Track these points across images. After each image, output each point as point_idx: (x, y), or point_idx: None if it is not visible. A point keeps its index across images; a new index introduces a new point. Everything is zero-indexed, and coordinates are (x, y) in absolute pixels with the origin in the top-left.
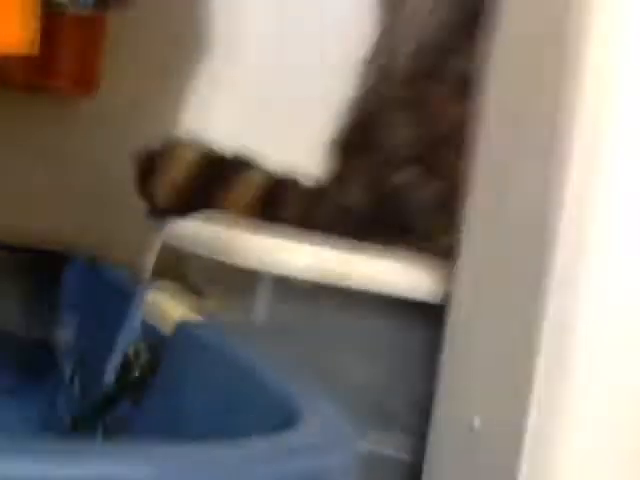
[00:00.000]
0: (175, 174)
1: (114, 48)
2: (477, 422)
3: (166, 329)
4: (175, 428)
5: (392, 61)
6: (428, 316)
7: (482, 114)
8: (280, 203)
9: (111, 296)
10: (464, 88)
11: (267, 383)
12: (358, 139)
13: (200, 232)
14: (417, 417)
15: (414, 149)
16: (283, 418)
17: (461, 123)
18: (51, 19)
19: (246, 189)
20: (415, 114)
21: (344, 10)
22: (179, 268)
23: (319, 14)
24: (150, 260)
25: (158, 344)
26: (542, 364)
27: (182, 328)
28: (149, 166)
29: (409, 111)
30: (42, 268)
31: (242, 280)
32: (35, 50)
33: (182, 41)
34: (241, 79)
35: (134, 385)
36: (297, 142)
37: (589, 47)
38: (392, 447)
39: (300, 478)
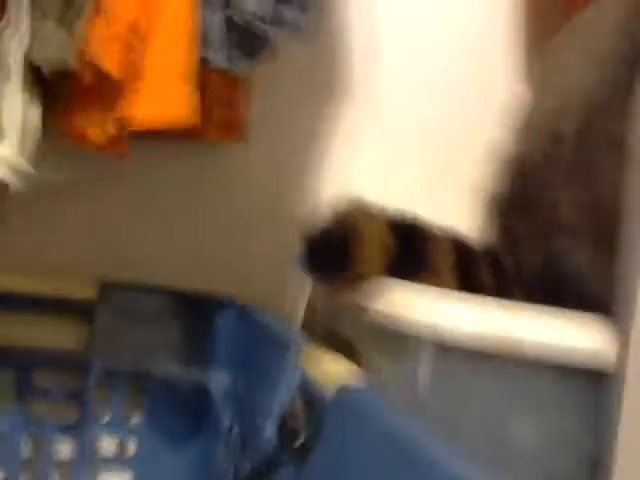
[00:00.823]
0: (374, 246)
1: (262, 98)
2: None
3: (326, 390)
4: None
5: (554, 122)
6: (592, 380)
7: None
8: (473, 270)
9: (267, 343)
10: (620, 159)
11: (433, 460)
12: (522, 198)
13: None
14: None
15: (577, 214)
16: None
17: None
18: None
19: (441, 259)
20: (579, 180)
21: (494, 58)
22: (332, 323)
23: (462, 63)
24: (300, 312)
25: (319, 406)
26: None
27: (345, 392)
28: (333, 237)
29: (572, 176)
30: (195, 312)
31: (404, 343)
32: (197, 119)
33: (326, 92)
34: (385, 131)
35: (296, 448)
36: (444, 196)
37: None
38: None
39: None
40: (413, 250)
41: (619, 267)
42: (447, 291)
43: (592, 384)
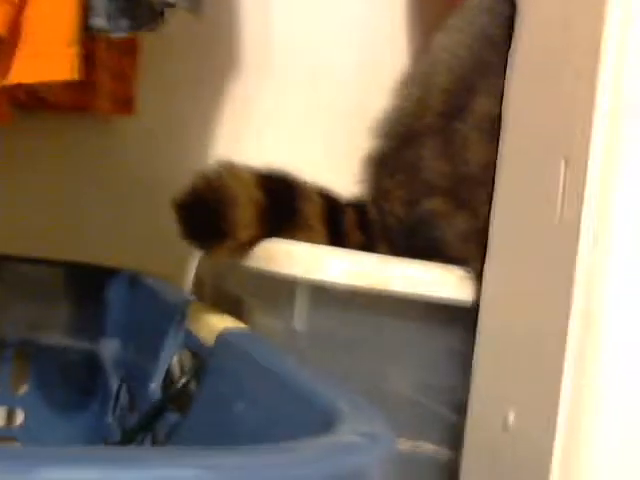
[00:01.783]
0: (248, 206)
1: (150, 69)
2: (511, 418)
3: (209, 339)
4: (221, 436)
5: (426, 92)
6: (463, 316)
7: (503, 155)
8: (340, 223)
9: (154, 308)
10: (492, 129)
11: (306, 390)
12: (395, 158)
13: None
14: (456, 416)
15: (443, 181)
16: (322, 423)
17: (487, 163)
18: (89, 42)
19: (311, 213)
20: (443, 149)
21: (381, 28)
22: (219, 279)
23: (352, 30)
24: (190, 273)
25: (201, 353)
26: (571, 359)
27: (224, 337)
28: (206, 201)
29: (438, 145)
30: (85, 282)
31: (281, 289)
32: (79, 75)
33: (215, 61)
34: (273, 98)
35: (180, 395)
36: (331, 158)
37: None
38: (432, 445)
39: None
40: (283, 206)
41: (476, 224)
42: (322, 246)
43: (454, 331)
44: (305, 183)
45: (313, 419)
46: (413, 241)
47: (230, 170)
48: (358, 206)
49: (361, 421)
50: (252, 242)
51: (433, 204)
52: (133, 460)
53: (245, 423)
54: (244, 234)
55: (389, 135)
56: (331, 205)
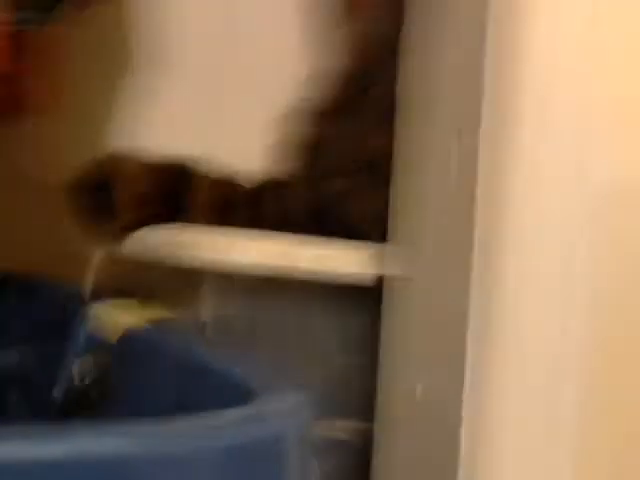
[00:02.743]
0: (129, 190)
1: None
2: (419, 390)
3: (113, 338)
4: None
5: (327, 84)
6: (371, 298)
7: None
8: (231, 206)
9: (53, 312)
10: (386, 117)
11: (219, 369)
12: (300, 139)
13: (144, 237)
14: (368, 399)
15: (346, 162)
16: (239, 398)
17: (385, 151)
18: None
19: (200, 194)
20: (343, 141)
21: (281, 20)
22: (125, 275)
23: (251, 19)
24: (93, 272)
25: (105, 354)
26: (473, 334)
27: (127, 335)
28: (93, 186)
29: (339, 136)
30: None
31: (188, 280)
32: None
33: (115, 54)
34: (175, 89)
35: (86, 398)
36: (235, 147)
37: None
38: (346, 423)
39: (255, 446)
40: (170, 194)
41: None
42: (228, 231)
43: (362, 311)
44: (200, 173)
45: (229, 396)
46: (317, 222)
47: (120, 158)
48: (255, 195)
49: (278, 392)
50: (135, 226)
51: (337, 184)
52: (56, 434)
53: (157, 412)
54: (127, 217)
55: (295, 125)
56: (224, 195)
